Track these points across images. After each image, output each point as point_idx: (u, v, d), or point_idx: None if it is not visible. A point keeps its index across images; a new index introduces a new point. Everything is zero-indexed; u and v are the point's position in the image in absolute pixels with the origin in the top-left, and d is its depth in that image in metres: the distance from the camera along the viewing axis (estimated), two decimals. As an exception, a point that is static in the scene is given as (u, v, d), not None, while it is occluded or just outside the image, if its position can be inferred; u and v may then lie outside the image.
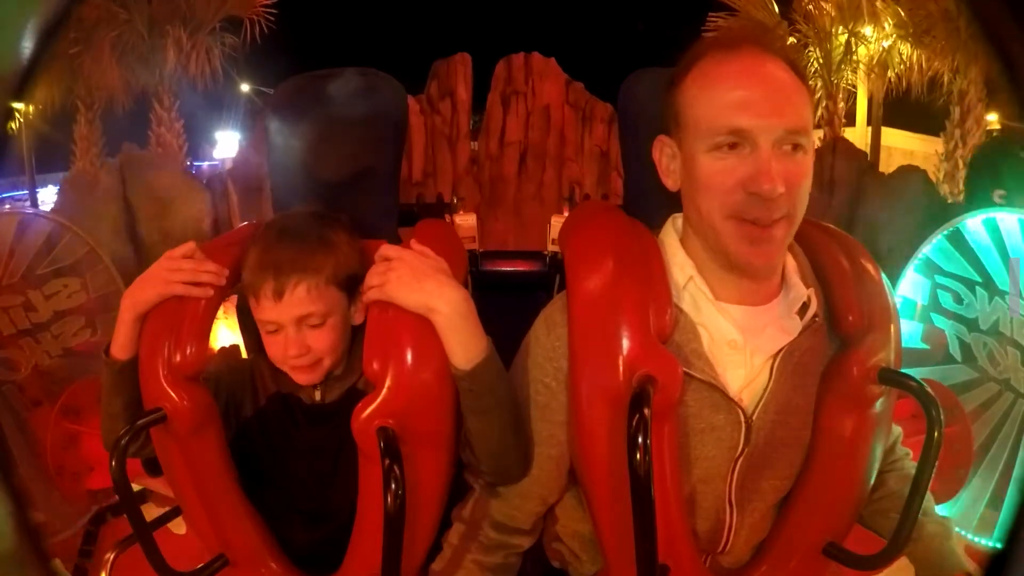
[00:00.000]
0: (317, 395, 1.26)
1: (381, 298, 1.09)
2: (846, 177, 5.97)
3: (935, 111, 7.57)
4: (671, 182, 1.09)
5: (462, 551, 1.20)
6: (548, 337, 1.13)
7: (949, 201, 6.26)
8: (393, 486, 0.98)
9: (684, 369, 1.04)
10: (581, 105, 7.44)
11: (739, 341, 1.07)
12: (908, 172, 5.95)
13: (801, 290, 1.09)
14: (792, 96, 1.00)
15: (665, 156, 1.09)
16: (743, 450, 1.08)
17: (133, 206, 5.36)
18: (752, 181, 0.98)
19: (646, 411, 0.96)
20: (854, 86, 8.39)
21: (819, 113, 7.63)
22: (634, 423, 0.96)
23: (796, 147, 0.99)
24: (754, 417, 1.08)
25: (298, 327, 1.18)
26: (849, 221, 5.70)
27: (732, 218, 1.01)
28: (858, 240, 1.20)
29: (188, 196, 5.59)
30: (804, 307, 1.09)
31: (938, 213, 5.14)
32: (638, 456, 0.94)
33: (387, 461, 1.00)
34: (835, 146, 6.39)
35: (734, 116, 0.98)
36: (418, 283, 1.07)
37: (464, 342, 1.06)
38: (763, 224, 0.99)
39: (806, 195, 1.02)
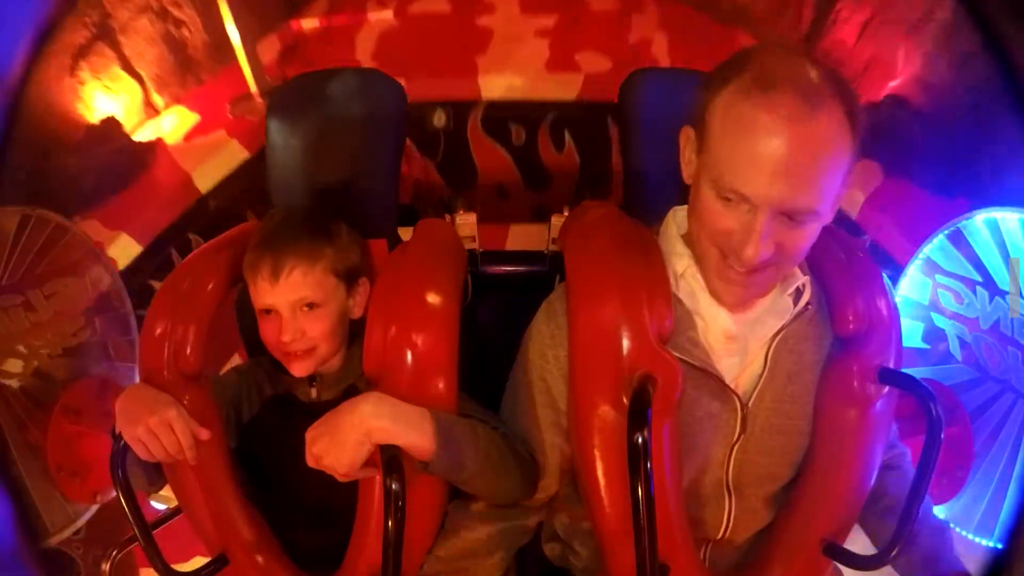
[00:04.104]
0: (313, 393, 1.26)
1: (338, 471, 1.03)
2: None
3: None
4: (687, 175, 1.06)
5: (458, 524, 1.20)
6: (549, 326, 1.14)
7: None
8: (393, 486, 0.98)
9: (682, 357, 1.05)
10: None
11: (734, 329, 1.08)
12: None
13: (798, 275, 1.09)
14: (812, 172, 0.89)
15: (688, 149, 1.06)
16: (739, 437, 1.10)
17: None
18: (739, 241, 0.94)
19: (646, 410, 0.96)
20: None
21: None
22: (633, 422, 0.96)
23: (799, 221, 0.93)
24: (750, 404, 1.09)
25: (293, 311, 1.18)
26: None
27: (717, 249, 1.00)
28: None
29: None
30: (798, 293, 1.09)
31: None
32: (638, 456, 0.94)
33: (387, 463, 1.00)
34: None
35: (741, 177, 0.91)
36: (342, 434, 1.01)
37: (411, 433, 1.03)
38: (741, 272, 0.98)
39: (806, 250, 0.99)
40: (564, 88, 2.77)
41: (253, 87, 2.69)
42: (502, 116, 2.71)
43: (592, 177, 2.72)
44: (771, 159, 0.89)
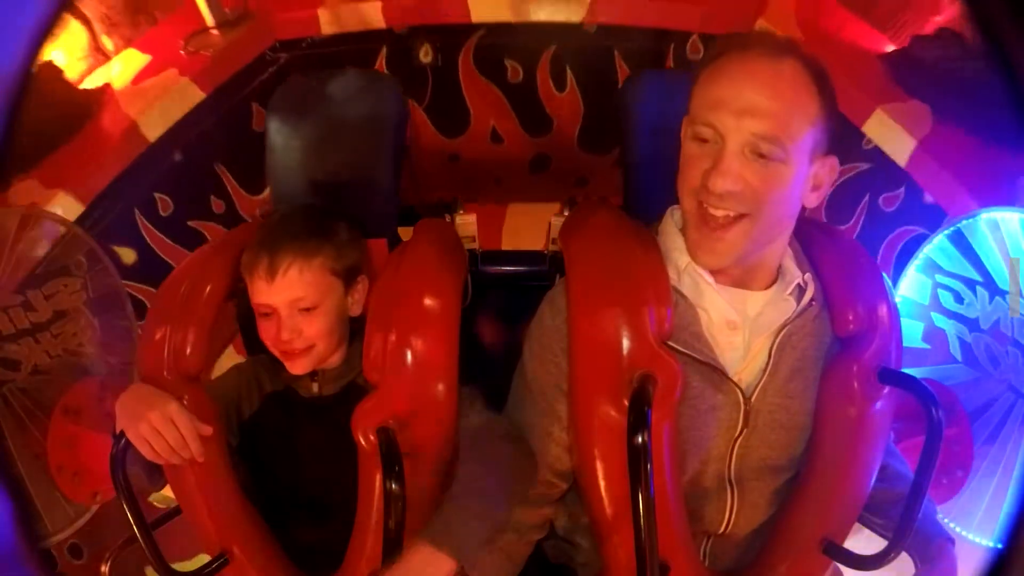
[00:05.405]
0: (315, 387, 1.26)
1: None
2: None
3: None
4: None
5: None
6: (555, 320, 1.14)
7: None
8: (393, 486, 0.98)
9: (685, 351, 1.05)
10: None
11: (737, 321, 1.09)
12: None
13: (796, 273, 1.10)
14: (777, 103, 0.98)
15: (684, 135, 1.09)
16: (741, 430, 1.10)
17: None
18: (707, 175, 1.00)
19: (646, 410, 0.96)
20: None
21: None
22: (633, 422, 0.96)
23: (764, 156, 0.98)
24: (752, 399, 1.09)
25: (290, 311, 1.18)
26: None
27: (695, 199, 1.03)
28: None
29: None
30: (800, 290, 1.11)
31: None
32: (638, 455, 0.94)
33: (387, 462, 1.01)
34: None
35: (711, 111, 1.01)
36: None
37: None
38: (716, 223, 1.02)
39: (777, 203, 1.02)
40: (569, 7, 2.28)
41: (209, 19, 2.32)
42: (496, 44, 2.32)
43: (597, 122, 2.42)
44: (738, 94, 0.99)
